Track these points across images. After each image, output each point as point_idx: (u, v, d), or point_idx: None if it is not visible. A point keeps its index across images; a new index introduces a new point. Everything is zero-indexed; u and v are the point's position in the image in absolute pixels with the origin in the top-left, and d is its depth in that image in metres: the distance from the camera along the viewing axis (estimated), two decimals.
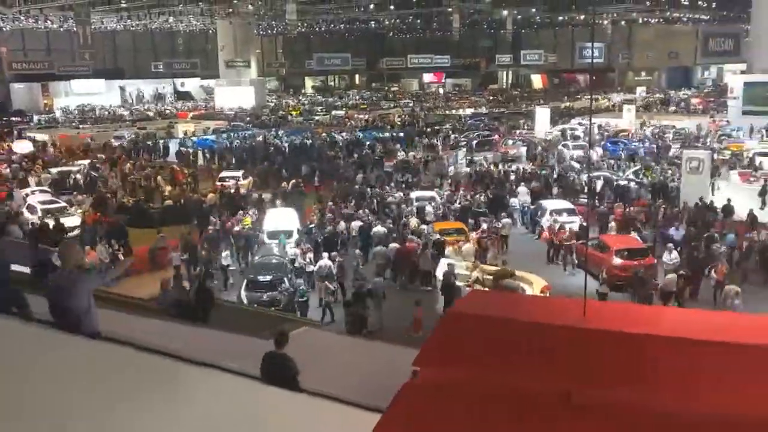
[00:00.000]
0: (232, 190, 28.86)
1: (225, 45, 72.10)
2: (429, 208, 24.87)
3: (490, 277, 17.13)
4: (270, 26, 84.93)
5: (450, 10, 69.43)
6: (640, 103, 69.14)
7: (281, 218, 22.79)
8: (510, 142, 42.61)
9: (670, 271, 17.51)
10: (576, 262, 20.61)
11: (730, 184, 28.94)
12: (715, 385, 2.49)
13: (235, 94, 73.09)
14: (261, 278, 17.60)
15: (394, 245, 20.22)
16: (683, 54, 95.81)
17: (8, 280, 7.23)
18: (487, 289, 16.35)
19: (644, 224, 22.63)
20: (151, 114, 73.12)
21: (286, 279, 17.50)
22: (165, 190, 28.94)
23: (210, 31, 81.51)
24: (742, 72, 53.94)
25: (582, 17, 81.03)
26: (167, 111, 75.87)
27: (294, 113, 71.04)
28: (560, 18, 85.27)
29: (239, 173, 32.57)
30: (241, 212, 24.10)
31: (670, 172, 30.04)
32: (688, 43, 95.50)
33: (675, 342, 2.66)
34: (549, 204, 24.88)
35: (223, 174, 32.88)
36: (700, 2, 73.52)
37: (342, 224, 22.69)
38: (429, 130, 50.27)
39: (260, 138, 46.86)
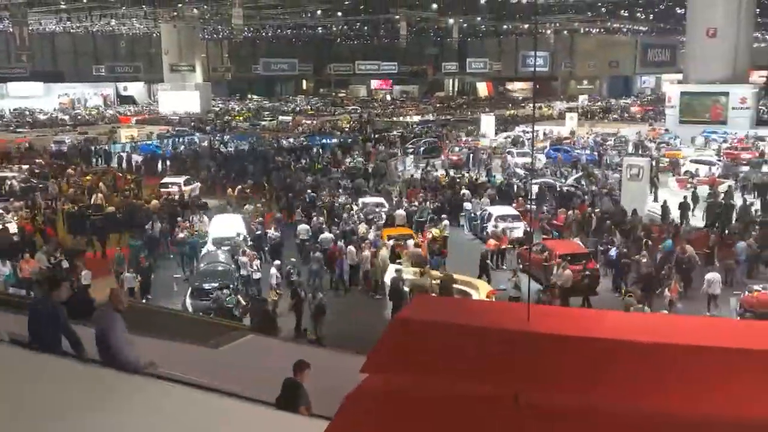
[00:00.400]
0: (176, 197, 28.36)
1: (169, 49, 71.06)
2: (378, 214, 24.94)
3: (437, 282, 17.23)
4: (216, 30, 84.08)
5: (397, 17, 69.89)
6: (582, 111, 70.74)
7: (227, 225, 22.48)
8: (456, 149, 43.07)
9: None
10: (520, 267, 20.90)
11: (669, 190, 29.87)
12: (658, 385, 2.55)
13: (180, 99, 72.01)
14: (206, 286, 17.31)
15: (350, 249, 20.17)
16: (623, 63, 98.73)
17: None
18: (434, 294, 16.44)
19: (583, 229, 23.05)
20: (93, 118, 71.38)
21: (232, 286, 17.26)
22: (103, 196, 28.12)
23: (154, 35, 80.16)
24: (679, 82, 55.84)
25: (526, 26, 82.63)
26: (110, 115, 74.26)
27: (239, 118, 70.39)
28: (505, 27, 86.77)
29: (181, 179, 31.92)
30: (179, 219, 23.72)
31: (611, 180, 30.66)
32: (628, 53, 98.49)
33: (618, 344, 2.71)
34: (495, 210, 25.20)
35: (165, 180, 32.27)
36: (638, 14, 75.74)
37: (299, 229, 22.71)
38: (377, 136, 50.46)
39: (205, 143, 46.26)
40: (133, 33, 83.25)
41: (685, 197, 25.97)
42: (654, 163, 34.22)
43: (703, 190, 27.68)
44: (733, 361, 2.56)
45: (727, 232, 21.99)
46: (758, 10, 55.58)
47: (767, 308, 14.80)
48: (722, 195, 26.34)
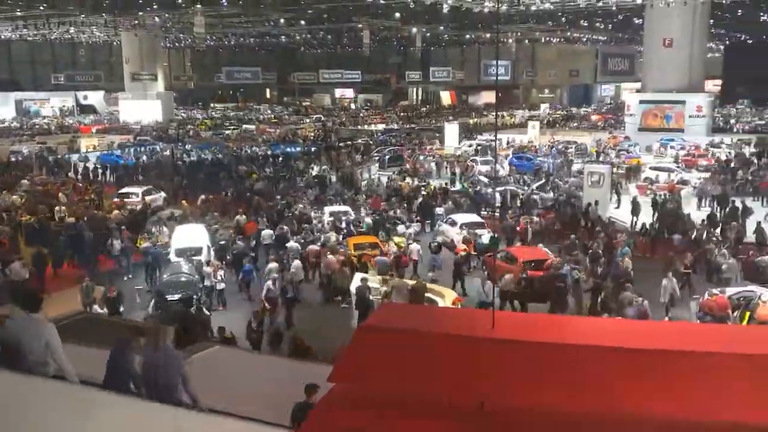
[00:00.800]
0: (138, 207, 27.95)
1: (130, 57, 70.21)
2: (343, 223, 24.91)
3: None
4: (177, 39, 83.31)
5: (360, 26, 70.09)
6: (545, 119, 71.68)
7: (190, 235, 22.21)
8: (421, 158, 43.27)
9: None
10: (486, 274, 21.04)
11: (630, 196, 30.34)
12: (621, 388, 2.61)
13: (142, 108, 71.13)
14: (169, 297, 17.08)
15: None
16: (583, 72, 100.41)
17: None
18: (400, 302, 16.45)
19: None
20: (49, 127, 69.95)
21: (195, 297, 17.05)
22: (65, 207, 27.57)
23: (114, 43, 79.13)
24: (637, 91, 57.00)
25: (488, 36, 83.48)
26: (70, 125, 72.95)
27: (202, 127, 69.77)
28: (467, 36, 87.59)
29: (139, 189, 31.38)
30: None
31: (573, 186, 31.06)
32: (588, 63, 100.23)
33: (581, 349, 2.77)
34: (459, 218, 25.34)
35: (124, 190, 31.77)
36: (598, 24, 77.07)
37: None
38: (341, 145, 50.45)
39: (168, 153, 45.72)
40: (93, 41, 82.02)
41: (634, 198, 26.77)
42: (615, 169, 34.92)
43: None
44: (693, 364, 2.63)
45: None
46: (711, 21, 57.14)
47: (725, 311, 15.11)
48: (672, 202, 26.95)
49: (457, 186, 34.00)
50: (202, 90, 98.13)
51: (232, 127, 69.30)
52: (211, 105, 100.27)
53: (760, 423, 2.47)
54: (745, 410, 2.49)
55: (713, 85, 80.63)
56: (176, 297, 16.96)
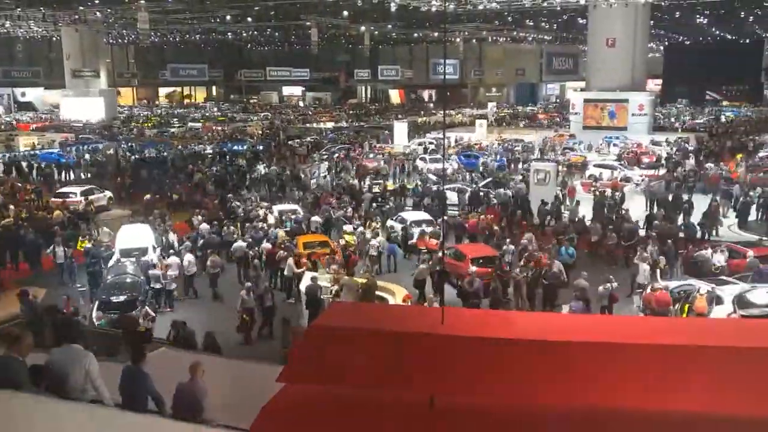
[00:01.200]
0: (80, 207, 27.24)
1: (71, 53, 68.28)
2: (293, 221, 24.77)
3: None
4: (121, 35, 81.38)
5: (308, 23, 69.69)
6: (492, 117, 72.51)
7: (135, 235, 21.74)
8: (371, 155, 43.32)
9: None
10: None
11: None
12: (567, 381, 2.64)
13: (83, 106, 69.27)
14: (114, 299, 16.71)
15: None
16: (529, 72, 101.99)
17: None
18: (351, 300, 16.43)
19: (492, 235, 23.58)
20: None
21: (140, 299, 16.71)
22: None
23: (54, 38, 76.78)
24: (582, 89, 58.18)
25: (436, 35, 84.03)
26: (6, 122, 70.55)
27: (147, 125, 68.39)
28: (415, 35, 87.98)
29: (78, 189, 30.61)
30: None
31: (521, 183, 31.41)
32: (534, 62, 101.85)
33: (529, 344, 2.79)
34: (409, 215, 25.46)
35: (61, 190, 30.91)
36: (543, 24, 78.37)
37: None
38: (290, 143, 50.12)
39: (111, 151, 44.66)
40: (31, 36, 79.41)
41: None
42: (561, 167, 35.58)
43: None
44: (633, 356, 2.68)
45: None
46: (652, 22, 58.75)
47: (665, 308, 15.53)
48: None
49: (410, 184, 34.12)
50: (147, 87, 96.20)
51: (177, 125, 68.14)
52: (156, 102, 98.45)
53: (702, 412, 2.53)
54: (691, 401, 2.55)
55: (654, 85, 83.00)
56: (121, 299, 16.61)
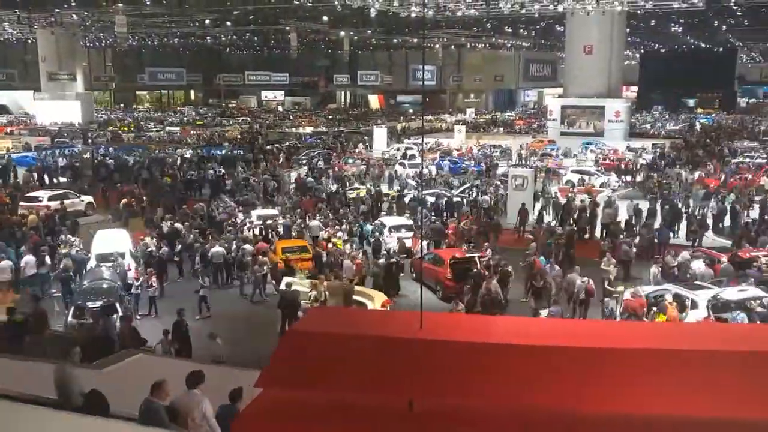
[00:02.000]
0: (47, 212, 26.87)
1: (47, 56, 67.52)
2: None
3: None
4: (98, 38, 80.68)
5: (287, 28, 69.61)
6: (471, 123, 72.88)
7: (111, 240, 21.51)
8: (350, 160, 43.31)
9: None
10: (413, 275, 21.23)
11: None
12: (545, 384, 2.67)
13: (59, 109, 68.47)
14: (90, 304, 16.48)
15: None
16: (508, 78, 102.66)
17: None
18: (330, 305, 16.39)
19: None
20: None
21: (118, 305, 16.50)
22: None
23: (30, 41, 75.87)
24: (559, 96, 58.67)
25: (415, 40, 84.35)
26: None
27: (125, 129, 67.79)
28: (394, 40, 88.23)
29: (44, 193, 30.06)
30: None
31: (501, 189, 31.49)
32: (512, 68, 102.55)
33: (506, 348, 2.82)
34: (388, 221, 25.49)
35: (30, 194, 30.51)
36: (521, 30, 79.00)
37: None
38: (269, 147, 49.95)
39: (87, 155, 44.19)
40: (6, 38, 78.42)
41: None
42: (542, 174, 35.85)
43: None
44: (610, 360, 2.72)
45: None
46: (628, 30, 59.47)
47: (641, 311, 15.76)
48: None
49: (392, 190, 34.12)
50: (125, 91, 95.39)
51: (155, 129, 67.62)
52: (134, 106, 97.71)
53: (679, 416, 2.57)
54: (670, 404, 2.59)
55: (630, 92, 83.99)
56: (97, 304, 16.40)
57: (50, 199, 29.09)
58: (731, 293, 15.60)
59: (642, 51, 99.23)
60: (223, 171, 37.84)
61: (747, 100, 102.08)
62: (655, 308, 15.88)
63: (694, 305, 15.52)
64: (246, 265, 20.17)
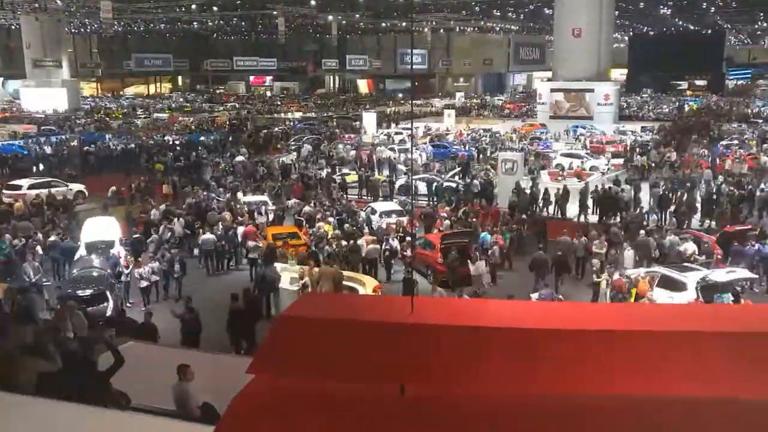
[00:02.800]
0: (43, 200, 26.77)
1: (31, 43, 66.80)
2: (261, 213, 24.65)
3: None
4: (83, 24, 79.85)
5: (275, 13, 69.11)
6: (460, 107, 72.72)
7: (100, 228, 21.37)
8: (340, 146, 43.16)
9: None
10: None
11: (542, 182, 31.25)
12: (536, 369, 2.67)
13: (45, 96, 67.87)
14: (80, 293, 16.40)
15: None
16: (497, 61, 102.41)
17: None
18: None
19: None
20: None
21: (108, 293, 16.44)
22: None
23: (13, 27, 75.02)
24: (548, 79, 58.63)
25: (403, 24, 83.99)
26: None
27: (113, 116, 67.27)
28: (383, 24, 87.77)
29: (25, 182, 29.81)
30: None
31: (491, 173, 31.49)
32: (501, 52, 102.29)
33: (498, 332, 2.81)
34: (378, 206, 25.47)
35: (11, 182, 30.30)
36: (510, 14, 78.76)
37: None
38: (258, 133, 49.73)
39: (75, 143, 43.85)
40: None
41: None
42: (533, 157, 35.89)
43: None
44: (602, 343, 2.72)
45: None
46: (617, 12, 59.40)
47: (623, 292, 16.14)
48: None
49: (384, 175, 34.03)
50: (112, 77, 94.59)
51: (143, 116, 67.16)
52: (121, 93, 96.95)
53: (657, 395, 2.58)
54: (661, 385, 2.60)
55: (619, 75, 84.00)
56: (87, 293, 16.34)
57: (31, 187, 28.87)
58: (719, 275, 15.78)
59: (631, 34, 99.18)
60: (212, 157, 37.69)
61: (735, 81, 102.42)
62: (628, 284, 16.41)
63: (682, 287, 15.67)
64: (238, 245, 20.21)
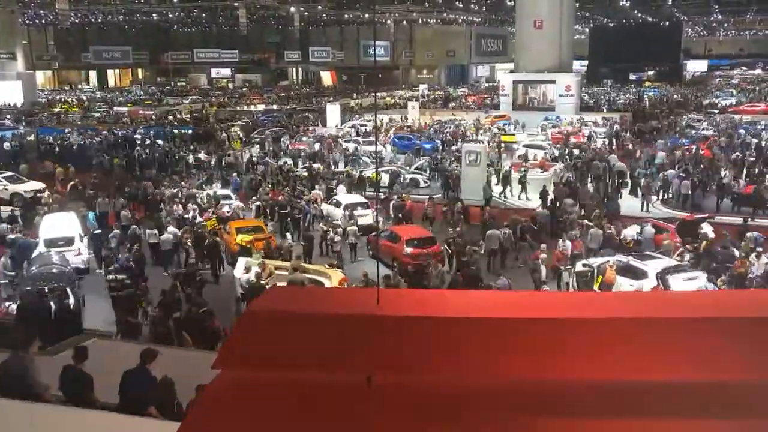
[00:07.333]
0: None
1: None
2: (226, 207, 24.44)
3: (285, 273, 17.13)
4: (38, 15, 77.97)
5: (236, 4, 68.36)
6: (424, 99, 72.79)
7: (60, 224, 20.97)
8: (304, 138, 42.95)
9: None
10: (370, 253, 21.33)
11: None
12: (503, 357, 2.70)
13: (0, 89, 66.15)
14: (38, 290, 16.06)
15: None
16: (459, 53, 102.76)
17: None
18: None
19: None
20: None
21: (69, 290, 16.13)
22: None
23: None
24: (511, 71, 59.04)
25: (366, 16, 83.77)
26: None
27: (71, 110, 65.88)
28: (346, 16, 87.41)
29: None
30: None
31: (455, 164, 31.63)
32: (464, 43, 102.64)
33: (463, 321, 2.84)
34: (343, 198, 25.44)
35: None
36: (472, 5, 79.06)
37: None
38: (220, 126, 49.20)
39: (32, 137, 42.88)
40: None
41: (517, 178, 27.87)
42: (499, 149, 36.15)
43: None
44: (566, 330, 2.77)
45: None
46: (578, 4, 60.02)
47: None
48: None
49: (342, 167, 34.00)
50: (70, 70, 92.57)
51: (102, 110, 65.89)
52: (79, 86, 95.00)
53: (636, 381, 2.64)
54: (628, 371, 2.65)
55: (580, 66, 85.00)
56: (46, 290, 16.00)
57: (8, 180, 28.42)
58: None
59: (591, 25, 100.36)
60: (174, 151, 37.19)
61: (693, 72, 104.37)
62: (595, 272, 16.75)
63: (643, 275, 15.98)
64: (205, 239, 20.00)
